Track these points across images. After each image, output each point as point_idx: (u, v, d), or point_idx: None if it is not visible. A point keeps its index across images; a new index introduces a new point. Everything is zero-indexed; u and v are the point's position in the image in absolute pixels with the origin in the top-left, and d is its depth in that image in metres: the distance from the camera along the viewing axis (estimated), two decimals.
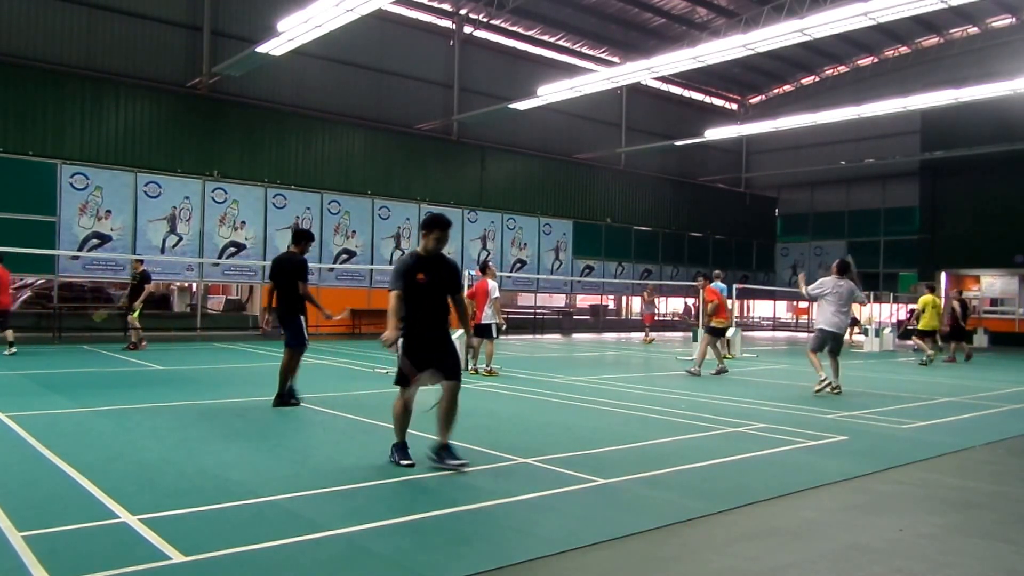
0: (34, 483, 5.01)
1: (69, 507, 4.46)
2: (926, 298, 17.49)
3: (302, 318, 8.50)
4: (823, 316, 11.02)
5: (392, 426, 5.91)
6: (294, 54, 19.12)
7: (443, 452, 5.67)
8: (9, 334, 13.31)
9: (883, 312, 31.32)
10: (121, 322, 19.02)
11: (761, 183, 37.84)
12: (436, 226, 5.82)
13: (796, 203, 37.32)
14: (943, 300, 20.77)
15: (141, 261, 15.78)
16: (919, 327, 17.54)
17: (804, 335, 31.90)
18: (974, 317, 20.73)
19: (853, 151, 33.12)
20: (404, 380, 5.79)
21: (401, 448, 5.83)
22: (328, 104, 23.45)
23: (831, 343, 10.92)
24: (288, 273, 8.40)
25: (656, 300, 26.72)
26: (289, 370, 8.49)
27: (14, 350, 13.24)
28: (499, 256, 26.02)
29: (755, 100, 36.75)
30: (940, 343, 18.22)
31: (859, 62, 33.02)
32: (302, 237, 8.66)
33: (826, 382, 10.69)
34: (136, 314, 14.96)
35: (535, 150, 28.57)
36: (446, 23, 26.47)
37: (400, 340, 5.67)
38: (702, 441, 7.20)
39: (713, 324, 13.66)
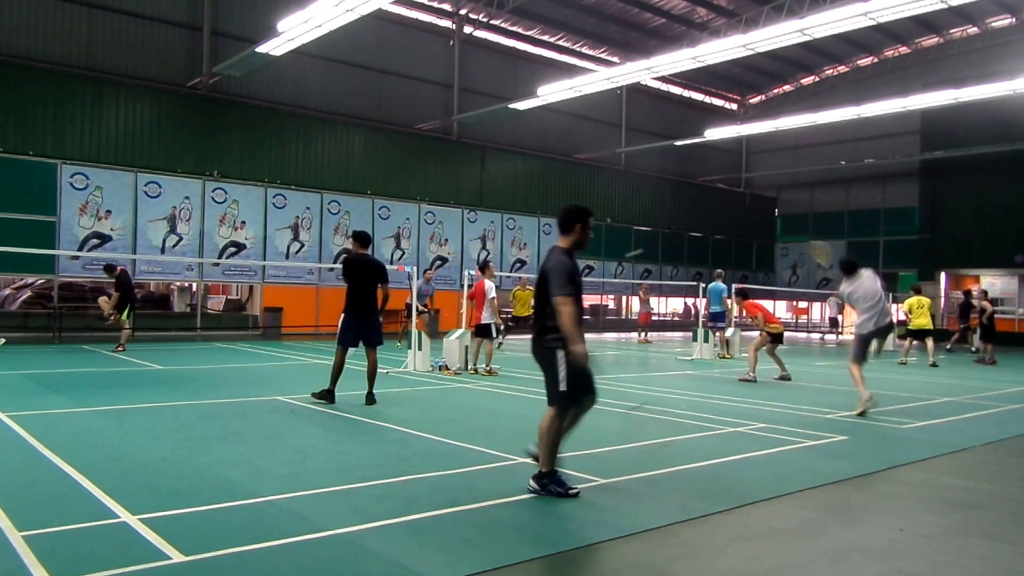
0: (34, 483, 5.01)
1: (69, 507, 4.46)
2: (911, 300, 17.53)
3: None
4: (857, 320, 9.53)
5: (544, 451, 5.00)
6: (294, 54, 19.12)
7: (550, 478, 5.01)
8: None
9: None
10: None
11: (761, 183, 37.84)
12: (590, 212, 5.19)
13: (796, 203, 37.32)
14: (943, 298, 20.70)
15: (112, 267, 15.38)
16: (910, 327, 17.54)
17: (804, 335, 31.91)
18: (973, 317, 20.77)
19: (853, 151, 33.11)
20: (571, 401, 4.97)
21: (558, 476, 5.00)
22: (328, 104, 23.44)
23: (867, 347, 9.44)
24: (374, 275, 8.70)
25: (651, 299, 26.65)
26: (376, 369, 8.82)
27: None
28: (499, 256, 26.03)
29: (755, 100, 36.75)
30: (976, 344, 18.24)
31: (859, 62, 33.01)
32: (368, 239, 9.01)
33: (869, 401, 8.86)
34: (124, 315, 14.93)
35: (535, 150, 28.56)
36: (446, 23, 26.46)
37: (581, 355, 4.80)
38: (702, 441, 7.20)
39: (769, 330, 13.29)
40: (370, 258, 8.88)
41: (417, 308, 13.75)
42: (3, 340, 13.33)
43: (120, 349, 14.84)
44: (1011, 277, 29.99)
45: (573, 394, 4.96)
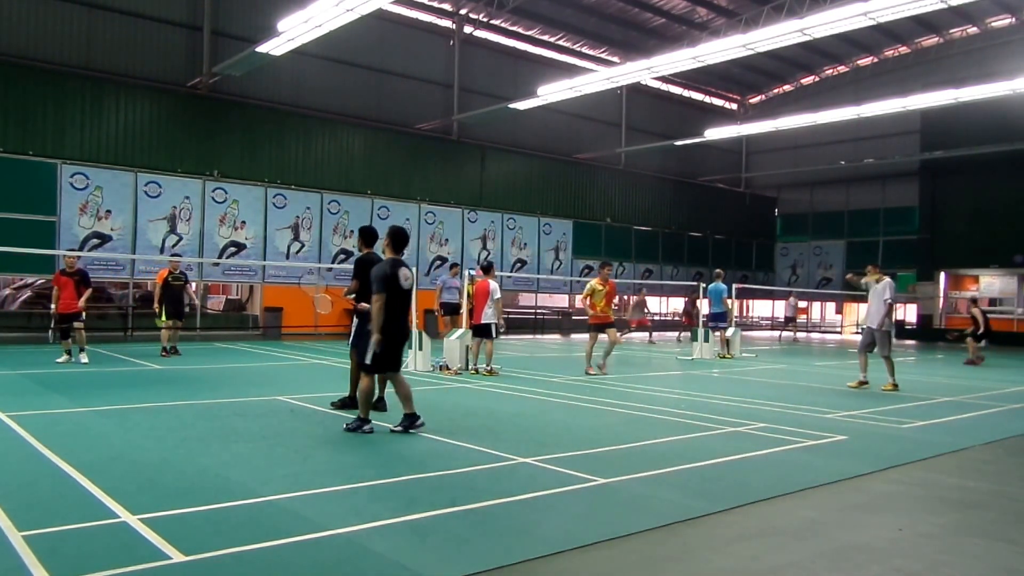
0: (34, 483, 5.01)
1: (69, 507, 4.46)
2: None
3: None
4: None
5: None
6: (294, 54, 19.11)
7: None
8: None
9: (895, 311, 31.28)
10: (122, 322, 19.08)
11: (761, 183, 37.84)
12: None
13: (796, 203, 37.32)
14: (941, 298, 20.98)
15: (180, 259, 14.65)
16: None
17: (803, 335, 31.90)
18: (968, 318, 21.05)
19: (853, 151, 33.11)
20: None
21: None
22: (328, 104, 23.44)
23: (866, 338, 11.94)
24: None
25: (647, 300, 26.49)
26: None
27: None
28: (499, 256, 26.02)
29: (755, 100, 36.75)
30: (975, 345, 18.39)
31: (859, 62, 33.02)
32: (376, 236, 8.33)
33: (858, 380, 11.78)
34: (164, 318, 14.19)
35: (535, 150, 28.56)
36: (446, 23, 26.46)
37: None
38: (702, 441, 7.20)
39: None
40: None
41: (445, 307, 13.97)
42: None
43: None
44: (1011, 277, 30.00)
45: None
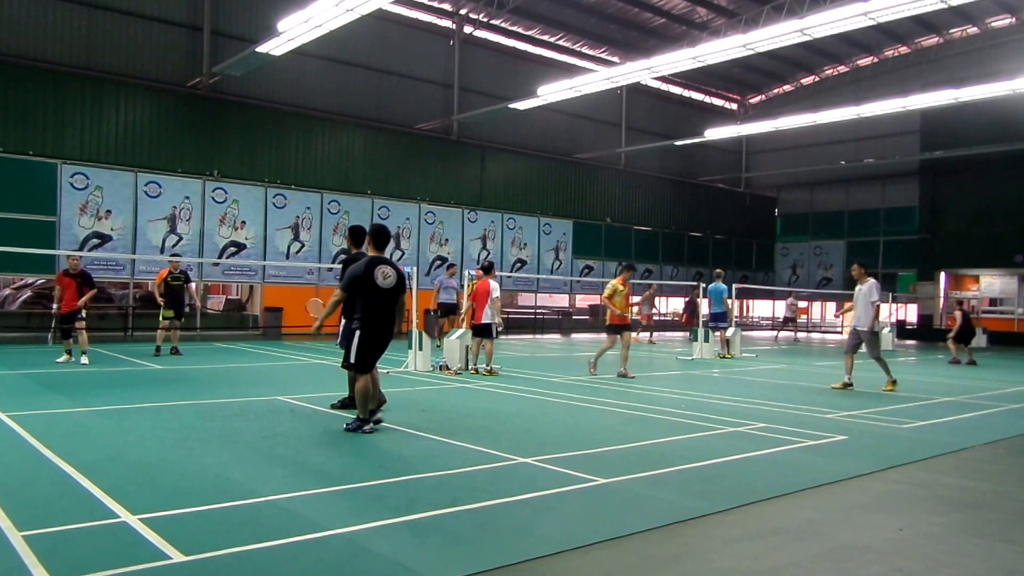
0: (34, 483, 5.01)
1: (69, 507, 4.46)
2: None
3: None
4: None
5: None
6: (294, 54, 19.11)
7: None
8: None
9: (881, 312, 31.29)
10: (123, 322, 19.08)
11: (761, 183, 37.84)
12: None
13: (796, 203, 37.32)
14: (941, 298, 21.14)
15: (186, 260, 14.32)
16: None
17: (803, 335, 31.89)
18: (950, 317, 21.17)
19: (853, 151, 33.11)
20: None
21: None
22: (328, 104, 23.43)
23: (853, 340, 11.93)
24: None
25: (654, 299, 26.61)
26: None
27: None
28: (499, 256, 26.02)
29: (755, 100, 36.74)
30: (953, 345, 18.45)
31: (859, 62, 33.01)
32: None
33: (843, 382, 11.72)
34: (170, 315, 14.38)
35: (535, 150, 28.56)
36: (446, 23, 26.45)
37: None
38: (702, 441, 7.20)
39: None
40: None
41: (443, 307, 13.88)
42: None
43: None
44: (1011, 277, 30.00)
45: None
